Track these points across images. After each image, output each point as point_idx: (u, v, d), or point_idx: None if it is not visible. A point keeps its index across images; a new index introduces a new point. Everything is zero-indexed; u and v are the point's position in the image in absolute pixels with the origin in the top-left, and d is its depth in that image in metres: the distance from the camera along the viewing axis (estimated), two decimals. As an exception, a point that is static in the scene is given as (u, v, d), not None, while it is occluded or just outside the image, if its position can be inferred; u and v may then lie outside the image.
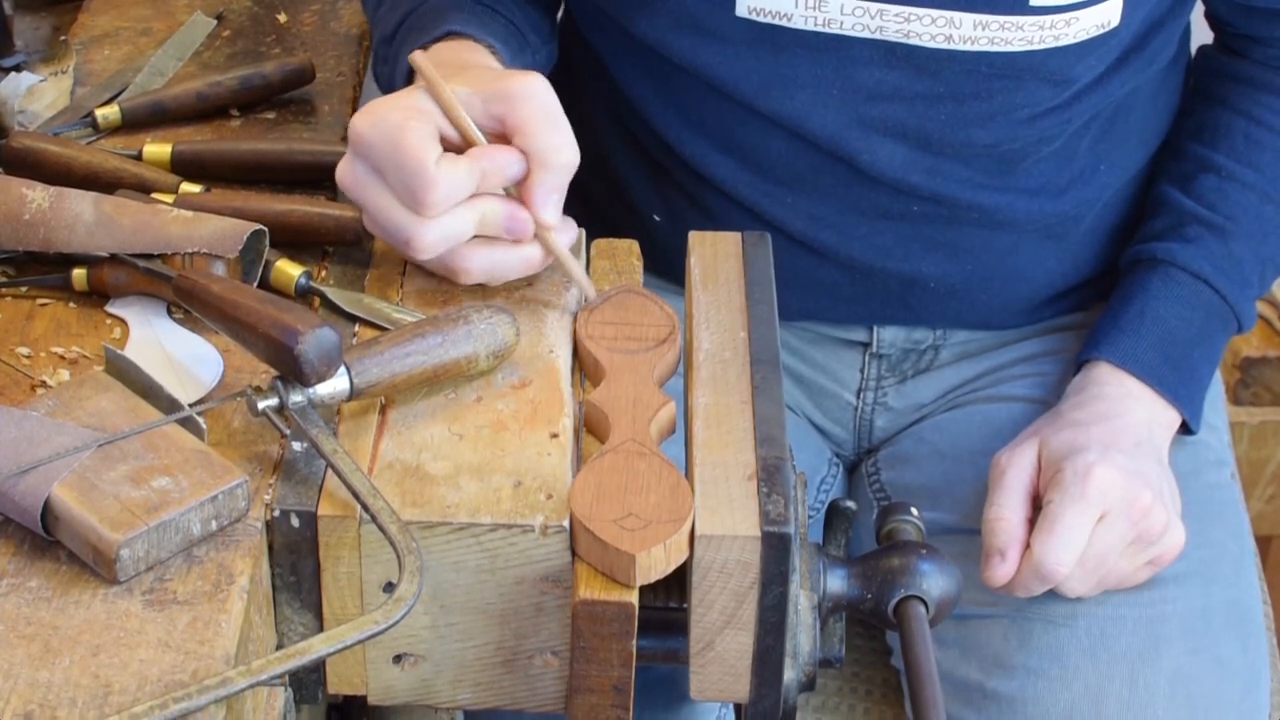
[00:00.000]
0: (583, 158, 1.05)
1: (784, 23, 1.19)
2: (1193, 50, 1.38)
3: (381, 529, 0.88)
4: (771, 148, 1.26)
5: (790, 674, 0.94)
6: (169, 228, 1.04)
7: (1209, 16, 1.34)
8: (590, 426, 0.99)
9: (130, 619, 0.85)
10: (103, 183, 1.13)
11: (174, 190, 1.13)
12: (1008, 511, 1.18)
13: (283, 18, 1.39)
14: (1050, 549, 1.15)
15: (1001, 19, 1.16)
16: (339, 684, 0.95)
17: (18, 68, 1.27)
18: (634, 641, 0.89)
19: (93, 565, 0.87)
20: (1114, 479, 1.15)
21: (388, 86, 1.20)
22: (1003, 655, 1.22)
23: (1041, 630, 1.21)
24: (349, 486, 0.89)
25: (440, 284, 1.07)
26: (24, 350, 1.03)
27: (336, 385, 0.93)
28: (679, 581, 0.92)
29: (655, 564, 0.88)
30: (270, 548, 0.91)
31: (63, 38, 1.33)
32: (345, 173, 1.04)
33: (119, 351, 0.97)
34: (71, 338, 1.04)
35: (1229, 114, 1.31)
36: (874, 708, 1.35)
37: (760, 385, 0.99)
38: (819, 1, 1.17)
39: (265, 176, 1.18)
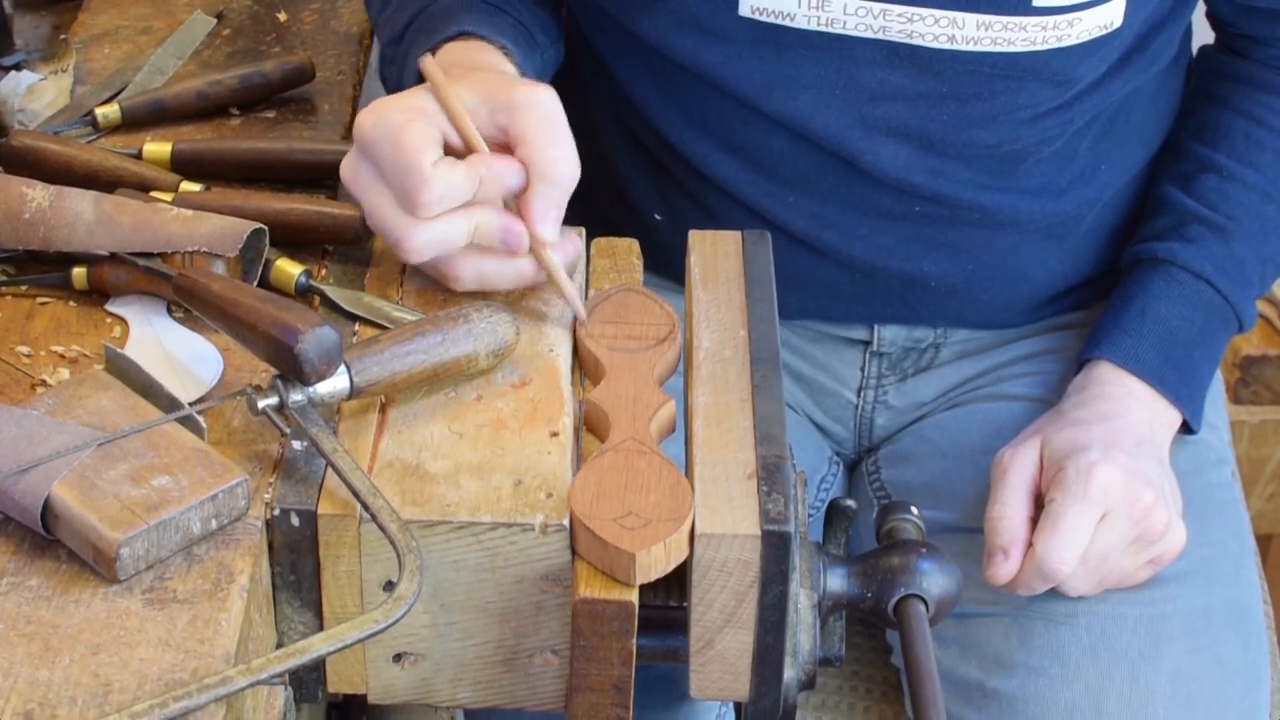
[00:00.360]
0: (584, 157, 1.04)
1: (787, 23, 1.18)
2: (1194, 50, 1.38)
3: (381, 528, 0.88)
4: (774, 148, 1.25)
5: (790, 672, 0.94)
6: (169, 226, 1.04)
7: (1210, 17, 1.34)
8: (590, 425, 0.99)
9: (130, 618, 0.85)
10: (103, 181, 1.13)
11: (174, 189, 1.13)
12: (1010, 510, 1.18)
13: (283, 16, 1.39)
14: (1053, 548, 1.15)
15: (1005, 20, 1.16)
16: (339, 683, 0.95)
17: (18, 66, 1.27)
18: (634, 640, 0.89)
19: (93, 564, 0.87)
20: (1116, 478, 1.16)
21: (396, 88, 1.19)
22: (1003, 654, 1.22)
23: (1042, 629, 1.21)
24: (349, 485, 0.89)
25: (441, 283, 1.07)
26: (24, 349, 1.03)
27: (336, 384, 0.93)
28: (679, 580, 0.92)
29: (655, 563, 0.88)
30: (270, 546, 0.91)
31: (63, 36, 1.33)
32: (348, 169, 1.04)
33: (119, 350, 0.97)
34: (71, 336, 1.04)
35: (1230, 114, 1.31)
36: (874, 706, 1.35)
37: (760, 384, 0.99)
38: (822, 1, 1.17)
39: (265, 175, 1.18)
